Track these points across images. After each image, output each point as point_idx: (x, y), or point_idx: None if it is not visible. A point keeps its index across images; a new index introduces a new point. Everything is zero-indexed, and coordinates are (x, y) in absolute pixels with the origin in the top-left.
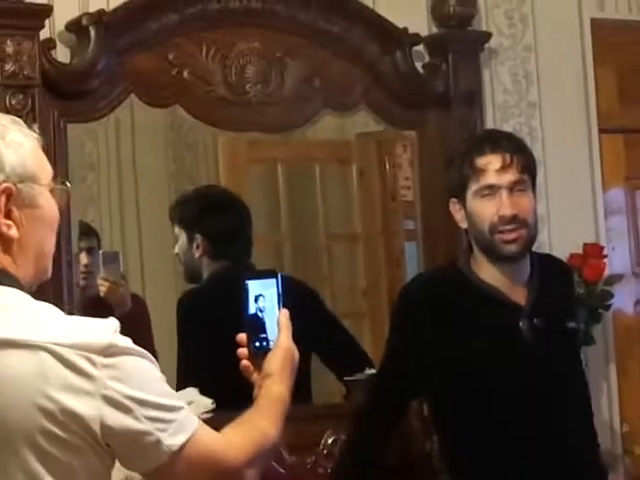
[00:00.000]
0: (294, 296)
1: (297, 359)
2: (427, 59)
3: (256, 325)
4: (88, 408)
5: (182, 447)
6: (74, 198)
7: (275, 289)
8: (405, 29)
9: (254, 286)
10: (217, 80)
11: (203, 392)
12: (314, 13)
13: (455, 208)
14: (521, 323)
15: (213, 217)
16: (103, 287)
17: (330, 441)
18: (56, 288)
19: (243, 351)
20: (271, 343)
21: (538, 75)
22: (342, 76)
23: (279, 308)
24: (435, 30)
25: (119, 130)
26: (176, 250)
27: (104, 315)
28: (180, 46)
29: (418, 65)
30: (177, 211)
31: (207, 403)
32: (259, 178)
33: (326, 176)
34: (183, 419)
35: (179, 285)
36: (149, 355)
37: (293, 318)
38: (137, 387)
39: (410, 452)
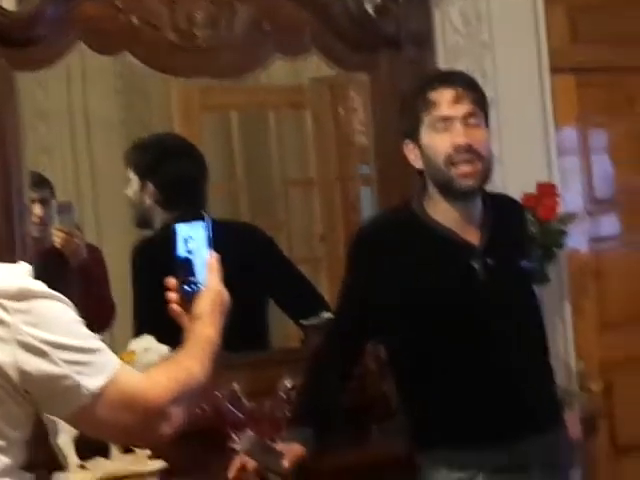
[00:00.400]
0: (250, 243)
1: (227, 301)
2: (378, 0)
3: (186, 268)
4: (4, 355)
5: (102, 389)
6: (25, 148)
7: (204, 232)
8: None
9: (183, 229)
10: (166, 25)
11: (160, 339)
12: None
13: (409, 148)
14: (474, 263)
15: (166, 167)
16: (58, 238)
17: (289, 385)
18: (8, 239)
19: (172, 295)
20: (201, 286)
21: (489, 15)
22: (292, 19)
23: (208, 251)
24: None
25: (70, 78)
26: (128, 192)
27: (60, 266)
28: None
29: (368, 7)
30: (132, 156)
31: (164, 350)
32: (213, 125)
33: (280, 122)
34: (102, 360)
35: (134, 234)
36: (63, 298)
37: (250, 265)
38: (52, 330)
39: (367, 394)
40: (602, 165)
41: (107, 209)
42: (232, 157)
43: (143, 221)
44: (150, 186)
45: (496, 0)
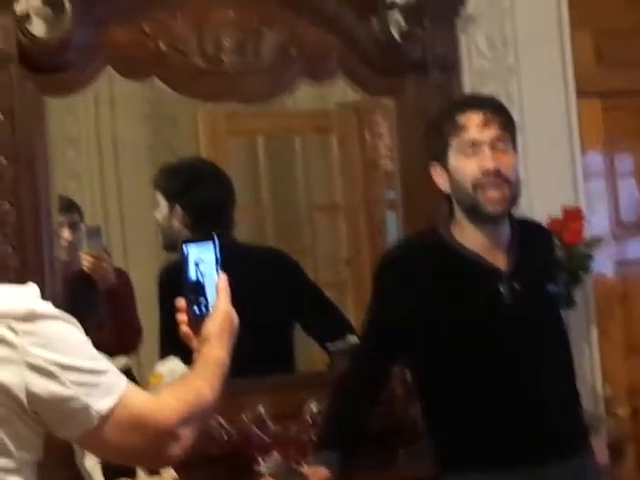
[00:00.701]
0: (276, 267)
1: (236, 323)
2: (403, 25)
3: (196, 290)
4: (12, 376)
5: (111, 410)
6: (54, 173)
7: (213, 253)
8: None
9: (193, 251)
10: (193, 50)
11: (186, 362)
12: None
13: (436, 172)
14: (501, 287)
15: (194, 191)
16: (86, 262)
17: (314, 409)
18: (37, 263)
19: (182, 317)
20: (210, 308)
21: (515, 39)
22: (318, 44)
23: (217, 273)
24: None
25: (98, 103)
26: (157, 216)
27: (88, 290)
28: (156, 17)
29: (394, 31)
30: (161, 180)
31: None
32: (239, 150)
33: (306, 146)
34: (111, 381)
35: (161, 258)
36: (72, 318)
37: (276, 289)
38: (60, 352)
39: (394, 417)
40: (628, 189)
41: (134, 233)
42: (258, 181)
43: (171, 244)
44: (178, 209)
45: (522, 24)
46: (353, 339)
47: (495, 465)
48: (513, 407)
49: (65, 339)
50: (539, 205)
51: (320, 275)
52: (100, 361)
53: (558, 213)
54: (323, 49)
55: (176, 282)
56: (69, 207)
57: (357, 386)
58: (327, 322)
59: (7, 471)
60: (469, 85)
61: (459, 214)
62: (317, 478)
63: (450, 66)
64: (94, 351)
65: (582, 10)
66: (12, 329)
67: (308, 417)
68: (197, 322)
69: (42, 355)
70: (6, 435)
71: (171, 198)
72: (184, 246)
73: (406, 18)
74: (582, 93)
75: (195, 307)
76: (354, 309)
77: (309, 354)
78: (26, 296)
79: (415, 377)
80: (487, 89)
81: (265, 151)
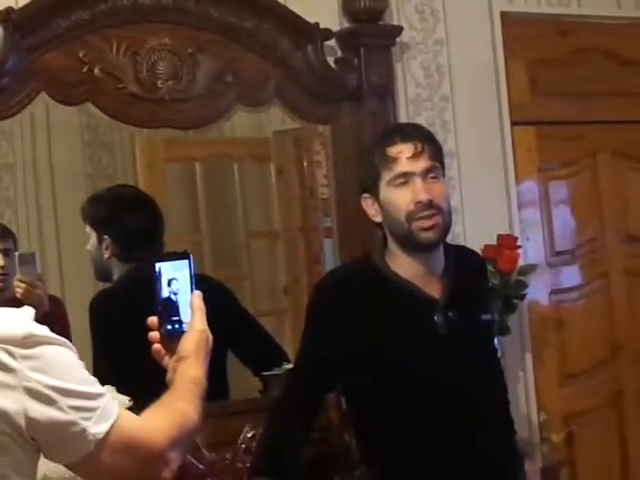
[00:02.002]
0: (208, 294)
1: (211, 341)
2: (339, 54)
3: (169, 308)
4: (12, 402)
5: (106, 434)
6: None
7: (187, 271)
8: (316, 24)
9: (166, 269)
10: (128, 77)
11: (120, 390)
12: (225, 9)
13: (367, 203)
14: (436, 317)
15: (122, 220)
16: (19, 289)
17: (249, 436)
18: None
19: (155, 335)
20: (184, 326)
21: (450, 68)
22: (254, 72)
23: (192, 290)
24: (346, 25)
25: (35, 130)
26: (88, 247)
27: None
28: (90, 43)
29: (330, 60)
30: (88, 211)
31: (124, 400)
32: (177, 177)
33: (244, 174)
34: (106, 405)
35: (98, 286)
36: (68, 343)
37: (208, 315)
38: (59, 377)
39: (328, 444)
40: (563, 217)
41: (71, 261)
42: (196, 208)
43: (103, 274)
44: (107, 239)
45: (457, 53)
46: (288, 366)
47: None
48: (446, 434)
49: (63, 363)
50: (474, 232)
51: (258, 303)
52: (96, 385)
53: (493, 240)
54: (259, 76)
55: (107, 310)
56: (3, 234)
57: (291, 413)
58: (260, 350)
59: None
60: (405, 113)
61: (392, 244)
62: None
63: (385, 94)
64: (89, 375)
65: (516, 40)
66: (11, 354)
67: (243, 444)
68: (170, 340)
69: (41, 380)
70: (5, 463)
71: (98, 228)
72: (156, 264)
73: (342, 47)
74: (516, 121)
75: (168, 325)
76: (292, 337)
77: (242, 381)
78: (23, 319)
79: (350, 405)
80: (422, 117)
81: (203, 178)
